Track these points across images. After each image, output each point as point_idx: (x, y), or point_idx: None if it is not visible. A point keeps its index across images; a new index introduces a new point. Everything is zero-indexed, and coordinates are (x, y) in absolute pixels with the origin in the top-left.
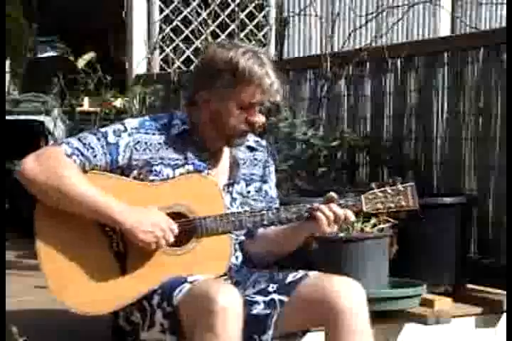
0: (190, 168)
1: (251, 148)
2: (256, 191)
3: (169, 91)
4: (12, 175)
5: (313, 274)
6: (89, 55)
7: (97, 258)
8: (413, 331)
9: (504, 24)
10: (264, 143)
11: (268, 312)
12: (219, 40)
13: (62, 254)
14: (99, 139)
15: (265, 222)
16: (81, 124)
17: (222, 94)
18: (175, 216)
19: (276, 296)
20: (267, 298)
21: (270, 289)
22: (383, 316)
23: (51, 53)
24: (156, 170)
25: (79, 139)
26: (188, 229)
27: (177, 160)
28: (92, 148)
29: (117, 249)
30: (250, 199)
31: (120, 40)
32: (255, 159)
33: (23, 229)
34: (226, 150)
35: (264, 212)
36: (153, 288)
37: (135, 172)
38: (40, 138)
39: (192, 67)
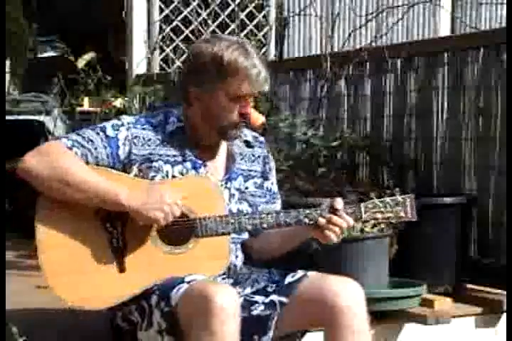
0: (188, 165)
1: (248, 144)
2: (256, 187)
3: (169, 91)
4: (12, 175)
5: (312, 274)
6: (89, 55)
7: (95, 253)
8: (413, 331)
9: (504, 24)
10: (262, 139)
11: (268, 313)
12: (204, 36)
13: (60, 247)
14: (98, 133)
15: (264, 226)
16: (81, 124)
17: (212, 89)
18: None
19: (276, 297)
20: (267, 300)
21: (269, 289)
22: (383, 316)
23: (51, 53)
24: (155, 167)
25: (77, 134)
26: (188, 229)
27: (175, 156)
28: (92, 141)
29: (116, 245)
30: (248, 195)
31: (120, 40)
32: (253, 155)
33: (23, 229)
34: (223, 145)
35: (264, 215)
36: (150, 286)
37: (135, 168)
38: (40, 138)
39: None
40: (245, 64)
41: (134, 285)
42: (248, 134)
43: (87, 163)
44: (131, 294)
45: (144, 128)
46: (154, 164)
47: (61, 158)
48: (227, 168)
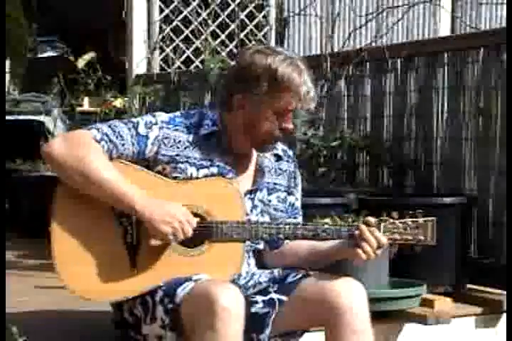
0: (215, 170)
1: (278, 157)
2: (279, 201)
3: (169, 91)
4: (12, 175)
5: (313, 274)
6: (89, 55)
7: (108, 247)
8: (413, 331)
9: (504, 24)
10: (291, 153)
11: (266, 310)
12: (258, 46)
13: (74, 238)
14: (129, 129)
15: (281, 236)
16: (81, 124)
17: (259, 100)
18: (193, 216)
19: (275, 296)
20: (267, 298)
21: (270, 289)
22: (383, 316)
23: (51, 53)
24: (180, 168)
25: (109, 126)
26: (204, 232)
27: (202, 160)
28: (122, 137)
29: (130, 241)
30: (271, 208)
31: (120, 40)
32: (280, 168)
33: (22, 229)
34: (252, 156)
35: (282, 226)
36: (158, 285)
37: (160, 167)
38: (40, 138)
39: (227, 70)
40: (297, 81)
41: (142, 283)
42: (279, 147)
43: (111, 157)
44: (138, 292)
45: (176, 129)
46: (180, 165)
47: (87, 151)
48: (255, 180)
